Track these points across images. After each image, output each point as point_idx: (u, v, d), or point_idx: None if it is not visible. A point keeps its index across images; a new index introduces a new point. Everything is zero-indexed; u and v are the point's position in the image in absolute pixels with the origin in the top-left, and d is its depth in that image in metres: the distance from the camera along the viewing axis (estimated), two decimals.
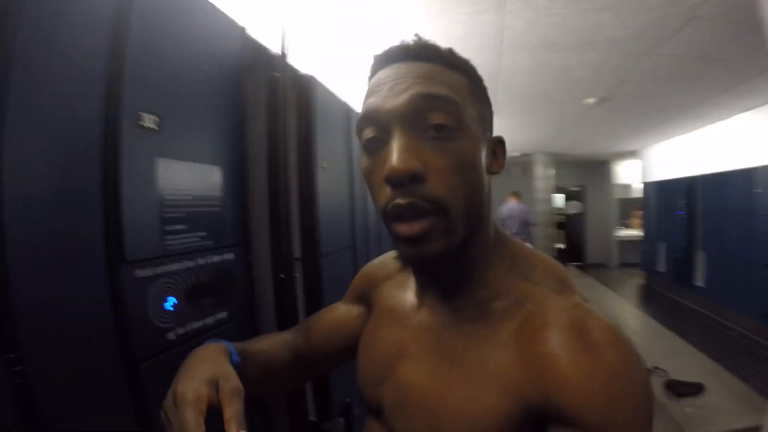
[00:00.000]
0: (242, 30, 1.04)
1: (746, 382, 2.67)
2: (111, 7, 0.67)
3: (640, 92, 4.12)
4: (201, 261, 0.88)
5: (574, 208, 10.83)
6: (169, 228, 0.78)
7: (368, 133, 0.54)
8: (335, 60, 2.22)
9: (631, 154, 8.89)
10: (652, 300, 6.74)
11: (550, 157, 8.83)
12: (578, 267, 8.19)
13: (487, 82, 0.60)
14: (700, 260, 5.68)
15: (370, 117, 0.53)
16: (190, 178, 0.84)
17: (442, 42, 0.55)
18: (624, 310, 4.63)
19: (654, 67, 3.36)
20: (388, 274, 0.75)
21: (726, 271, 5.07)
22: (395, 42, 0.56)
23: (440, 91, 0.51)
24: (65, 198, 0.61)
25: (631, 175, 9.73)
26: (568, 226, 10.56)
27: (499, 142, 0.61)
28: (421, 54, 0.54)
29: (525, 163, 9.80)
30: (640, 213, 8.65)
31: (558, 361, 0.47)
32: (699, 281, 5.75)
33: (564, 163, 9.85)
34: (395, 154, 0.49)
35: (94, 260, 0.65)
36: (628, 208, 10.24)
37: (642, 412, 0.45)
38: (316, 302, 1.37)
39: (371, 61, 0.58)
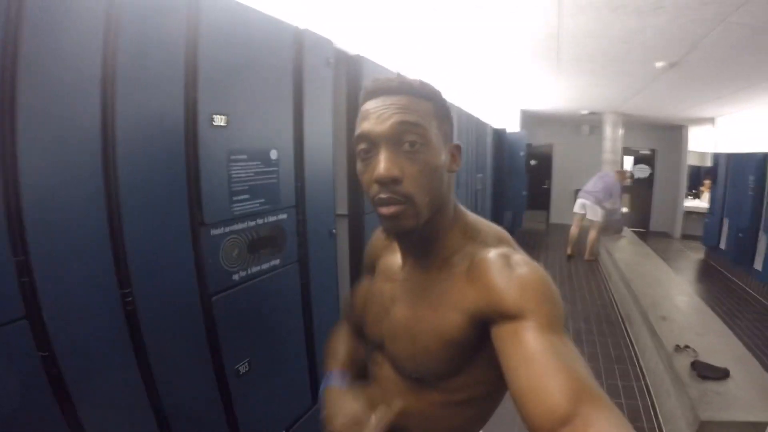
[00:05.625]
0: (295, 29, 1.22)
1: None
2: (182, 33, 0.89)
3: (712, 59, 3.90)
4: (260, 221, 1.12)
5: (642, 171, 10.38)
6: (236, 198, 1.03)
7: (362, 146, 0.74)
8: (384, 34, 2.33)
9: (707, 120, 8.33)
10: (707, 278, 6.50)
11: (620, 117, 8.45)
12: (638, 234, 7.99)
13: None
14: (763, 243, 5.40)
15: (364, 136, 0.73)
16: (252, 158, 1.07)
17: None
18: (673, 285, 4.55)
19: (725, 34, 3.19)
20: (385, 243, 0.97)
21: None
22: (380, 79, 0.76)
23: (413, 119, 0.72)
24: (161, 181, 0.87)
25: (706, 142, 9.10)
26: (634, 190, 10.18)
27: (457, 147, 0.82)
28: (399, 89, 0.74)
29: (594, 121, 9.44)
30: (710, 184, 8.16)
31: (490, 276, 0.69)
32: (758, 265, 5.46)
33: (634, 124, 9.38)
34: (382, 164, 0.70)
35: (182, 224, 0.92)
36: (699, 176, 9.71)
37: (548, 302, 0.66)
38: (358, 251, 1.63)
39: (362, 92, 0.78)
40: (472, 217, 0.87)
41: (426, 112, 0.74)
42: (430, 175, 0.73)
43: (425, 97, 0.76)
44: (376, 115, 0.72)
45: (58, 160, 0.69)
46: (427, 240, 0.81)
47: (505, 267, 0.70)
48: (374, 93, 0.75)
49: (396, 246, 0.92)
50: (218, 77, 0.97)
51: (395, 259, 0.92)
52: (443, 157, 0.77)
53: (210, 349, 0.99)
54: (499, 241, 0.80)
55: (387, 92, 0.74)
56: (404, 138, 0.71)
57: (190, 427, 0.97)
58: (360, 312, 1.01)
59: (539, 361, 0.60)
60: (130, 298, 0.82)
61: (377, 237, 1.02)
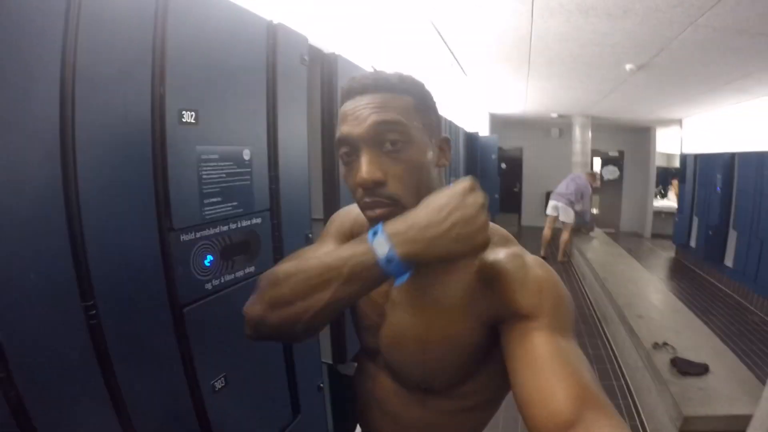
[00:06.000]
0: (268, 23, 1.16)
1: (752, 370, 2.65)
2: (149, 23, 0.82)
3: (681, 62, 4.00)
4: (233, 225, 1.05)
5: (611, 173, 10.61)
6: (206, 201, 0.96)
7: (343, 149, 0.72)
8: (362, 32, 2.30)
9: (675, 122, 8.57)
10: (679, 275, 6.68)
11: (589, 120, 8.63)
12: (609, 234, 8.14)
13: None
14: (732, 240, 5.56)
15: (343, 140, 0.71)
16: (223, 159, 1.00)
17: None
18: (647, 284, 4.65)
19: (694, 37, 3.27)
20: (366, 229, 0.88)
21: (756, 254, 4.93)
22: (356, 78, 0.73)
23: (391, 117, 0.69)
24: (126, 183, 0.80)
25: (673, 143, 9.37)
26: (604, 192, 10.39)
27: (445, 140, 0.79)
28: (376, 87, 0.71)
29: (563, 125, 9.61)
30: (677, 184, 8.41)
31: (505, 275, 0.68)
32: (729, 261, 5.65)
33: (603, 126, 9.59)
34: (364, 167, 0.68)
35: (149, 229, 0.85)
36: (667, 177, 9.97)
37: (562, 305, 0.66)
38: None
39: (340, 93, 0.75)
40: None
41: (405, 107, 0.71)
42: (415, 173, 0.71)
43: (404, 92, 0.72)
44: (354, 117, 0.70)
45: (10, 161, 0.62)
46: None
47: (522, 267, 0.69)
48: (350, 93, 0.72)
49: None
50: (187, 70, 0.90)
51: None
52: (429, 153, 0.73)
53: (183, 364, 0.92)
54: (505, 240, 0.77)
55: (363, 91, 0.71)
56: (385, 137, 0.69)
57: None
58: None
59: (546, 364, 0.59)
60: (94, 311, 0.74)
61: (357, 214, 0.92)
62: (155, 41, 0.83)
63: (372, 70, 0.74)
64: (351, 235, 0.93)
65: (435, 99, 0.78)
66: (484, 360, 0.75)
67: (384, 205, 0.69)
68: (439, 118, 0.79)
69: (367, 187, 0.69)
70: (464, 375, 0.77)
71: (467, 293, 0.72)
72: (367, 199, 0.70)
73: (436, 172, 0.76)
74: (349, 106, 0.72)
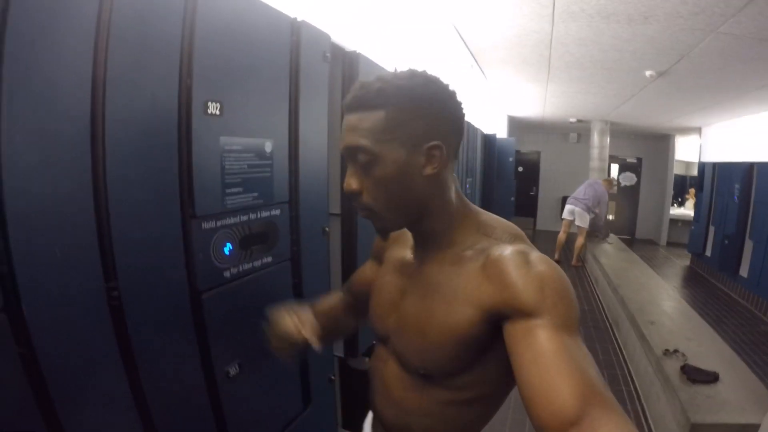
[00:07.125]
0: (292, 20, 1.19)
1: (762, 380, 2.61)
2: (178, 21, 0.86)
3: (701, 69, 3.96)
4: (252, 215, 1.08)
5: (628, 180, 10.51)
6: (228, 191, 0.99)
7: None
8: (384, 32, 2.32)
9: (694, 130, 8.46)
10: (693, 284, 6.63)
11: (608, 125, 8.55)
12: (624, 241, 8.06)
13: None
14: (748, 250, 5.48)
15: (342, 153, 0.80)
16: (246, 150, 1.03)
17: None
18: (660, 291, 4.60)
19: (715, 45, 3.23)
20: (396, 236, 0.96)
21: None
22: (348, 95, 0.78)
23: (353, 142, 0.75)
24: (152, 169, 0.83)
25: (692, 151, 9.23)
26: (620, 198, 10.28)
27: (436, 147, 0.76)
28: (354, 106, 0.76)
29: (581, 129, 9.54)
30: (695, 192, 8.30)
31: (508, 273, 0.69)
32: (744, 271, 5.56)
33: (622, 133, 9.50)
34: (345, 179, 0.78)
35: (172, 215, 0.88)
36: (684, 185, 9.84)
37: (565, 302, 0.66)
38: (351, 252, 1.63)
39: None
40: (485, 214, 0.87)
41: (374, 125, 0.73)
42: (385, 186, 0.76)
43: (378, 107, 0.73)
44: (341, 135, 0.78)
45: (42, 146, 0.65)
46: (434, 236, 0.83)
47: (524, 264, 0.69)
48: (345, 108, 0.78)
49: (404, 240, 0.94)
50: (213, 64, 0.93)
51: (404, 253, 0.92)
52: (406, 165, 0.75)
53: (199, 348, 0.95)
54: (514, 238, 0.79)
55: (347, 110, 0.77)
56: (356, 157, 0.76)
57: None
58: (357, 290, 1.09)
59: (551, 361, 0.60)
60: (116, 292, 0.77)
61: None
62: (184, 35, 0.87)
63: (358, 85, 0.77)
64: (380, 253, 1.04)
65: (430, 102, 0.76)
66: (483, 354, 0.76)
67: (363, 211, 0.80)
68: (433, 122, 0.76)
69: (348, 196, 0.79)
70: (461, 366, 0.77)
71: (471, 285, 0.73)
72: (354, 204, 0.81)
73: (422, 180, 0.76)
74: (343, 121, 0.79)
